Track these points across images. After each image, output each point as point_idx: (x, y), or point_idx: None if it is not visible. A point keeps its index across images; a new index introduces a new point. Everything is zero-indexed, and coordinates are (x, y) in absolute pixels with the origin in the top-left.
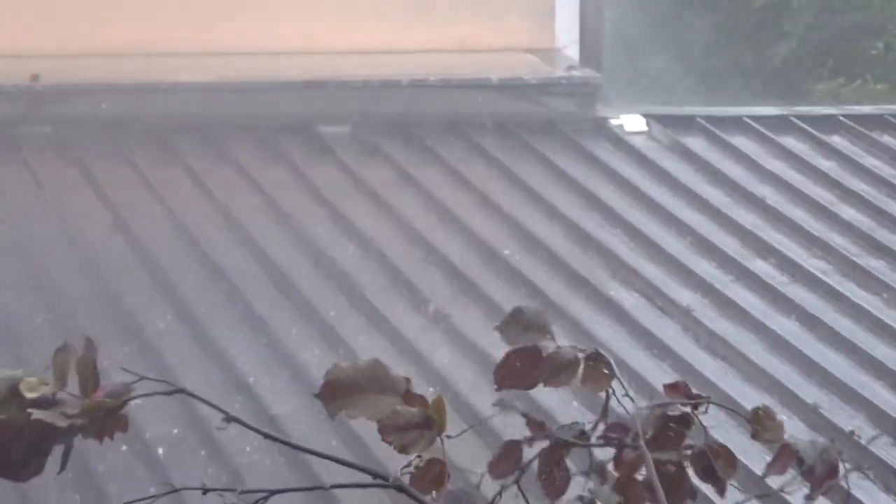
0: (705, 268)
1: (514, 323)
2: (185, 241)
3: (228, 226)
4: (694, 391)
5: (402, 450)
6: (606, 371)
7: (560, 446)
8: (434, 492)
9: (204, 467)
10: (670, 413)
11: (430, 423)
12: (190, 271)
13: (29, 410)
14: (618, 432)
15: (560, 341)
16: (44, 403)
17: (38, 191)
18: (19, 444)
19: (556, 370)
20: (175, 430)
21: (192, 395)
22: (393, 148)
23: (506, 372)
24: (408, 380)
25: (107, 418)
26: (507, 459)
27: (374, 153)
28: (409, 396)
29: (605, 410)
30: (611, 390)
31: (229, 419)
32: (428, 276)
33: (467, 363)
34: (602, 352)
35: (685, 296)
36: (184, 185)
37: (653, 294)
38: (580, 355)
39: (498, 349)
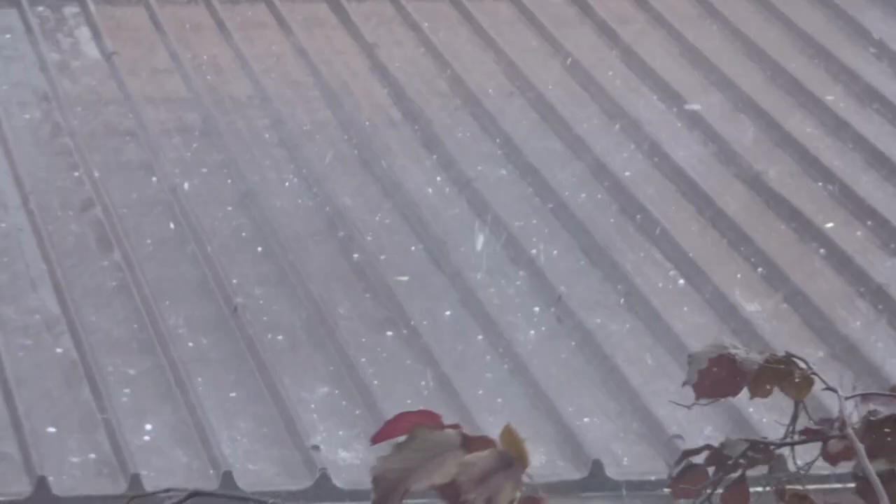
0: None
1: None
2: (460, 98)
3: (505, 72)
4: None
5: (491, 502)
6: (808, 374)
7: (744, 464)
8: None
9: None
10: (886, 415)
11: (508, 462)
12: (462, 125)
13: None
14: (821, 425)
15: None
16: None
17: (284, 33)
18: None
19: (758, 378)
20: None
21: None
22: None
23: (708, 381)
24: (457, 426)
25: None
26: (690, 482)
27: None
28: (470, 442)
29: (795, 417)
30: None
31: None
32: (737, 127)
33: (777, 221)
34: (795, 356)
35: None
36: (450, 20)
37: None
38: (772, 361)
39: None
